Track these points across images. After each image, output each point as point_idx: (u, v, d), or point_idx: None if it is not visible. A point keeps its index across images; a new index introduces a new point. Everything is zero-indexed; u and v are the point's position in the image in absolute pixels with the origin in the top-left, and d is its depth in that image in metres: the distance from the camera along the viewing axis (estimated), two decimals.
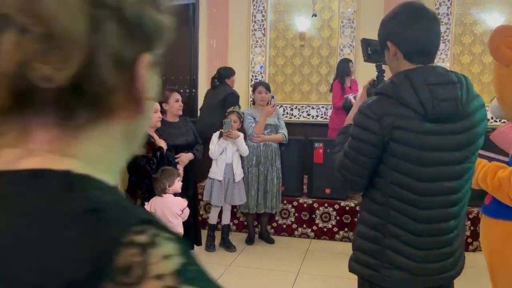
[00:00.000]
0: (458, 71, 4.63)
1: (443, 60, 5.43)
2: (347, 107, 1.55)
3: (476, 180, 1.68)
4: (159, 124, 2.96)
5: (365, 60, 1.60)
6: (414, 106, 1.26)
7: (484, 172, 1.66)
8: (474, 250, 3.88)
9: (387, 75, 1.52)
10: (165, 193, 2.72)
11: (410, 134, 1.27)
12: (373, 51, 1.56)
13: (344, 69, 4.99)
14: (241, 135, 3.77)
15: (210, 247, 3.85)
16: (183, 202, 2.79)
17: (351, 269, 1.47)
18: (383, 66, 1.59)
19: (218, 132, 3.72)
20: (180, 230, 2.78)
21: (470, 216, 3.94)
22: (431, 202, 1.32)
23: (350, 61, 5.20)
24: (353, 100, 1.73)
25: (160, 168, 2.74)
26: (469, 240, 3.96)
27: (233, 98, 4.42)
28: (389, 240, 1.34)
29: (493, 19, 5.26)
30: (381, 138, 1.28)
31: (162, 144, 2.87)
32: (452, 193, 1.33)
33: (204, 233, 3.77)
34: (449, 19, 5.41)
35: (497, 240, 1.67)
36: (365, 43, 1.59)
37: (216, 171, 3.74)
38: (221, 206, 3.88)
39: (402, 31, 1.34)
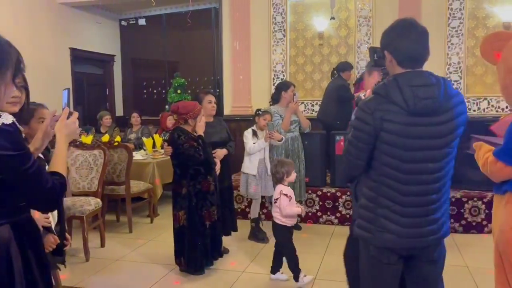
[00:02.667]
0: (472, 63, 4.99)
1: (458, 53, 5.66)
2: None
3: (477, 160, 1.98)
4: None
5: (372, 65, 1.91)
6: (400, 103, 1.57)
7: (479, 155, 1.96)
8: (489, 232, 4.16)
9: None
10: (281, 182, 3.11)
11: (396, 125, 1.58)
12: (378, 58, 1.86)
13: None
14: (283, 138, 4.09)
15: (263, 239, 4.14)
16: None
17: (355, 233, 1.79)
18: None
19: (250, 130, 4.06)
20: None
21: (485, 200, 4.23)
22: (416, 179, 1.62)
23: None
24: (363, 98, 2.04)
25: (204, 152, 3.12)
26: (484, 222, 4.25)
27: (343, 90, 5.09)
28: (381, 210, 1.67)
29: (505, 12, 5.46)
30: (373, 129, 1.61)
31: (200, 131, 3.23)
32: (434, 172, 1.63)
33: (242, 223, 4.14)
34: (462, 13, 5.64)
35: (495, 211, 1.98)
36: (372, 51, 1.90)
37: (250, 166, 4.05)
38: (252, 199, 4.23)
39: (395, 43, 1.65)
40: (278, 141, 4.02)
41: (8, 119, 1.25)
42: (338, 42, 6.17)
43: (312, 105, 6.30)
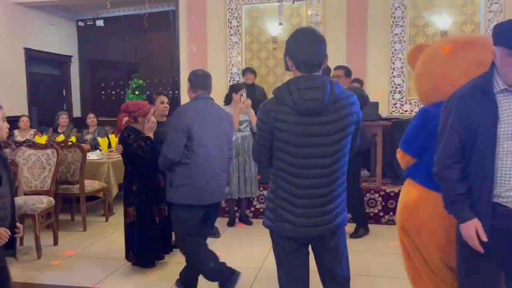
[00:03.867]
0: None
1: (400, 58, 6.07)
2: None
3: None
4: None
5: (285, 69, 2.09)
6: (290, 104, 1.74)
7: None
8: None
9: None
10: None
11: (286, 124, 1.75)
12: None
13: None
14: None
15: (215, 234, 4.28)
16: None
17: (263, 223, 1.95)
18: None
19: None
20: None
21: (382, 193, 4.69)
22: (307, 173, 1.77)
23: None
24: None
25: (152, 152, 3.24)
26: (381, 213, 4.72)
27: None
28: (279, 201, 1.83)
29: (442, 21, 5.92)
30: (269, 127, 1.79)
31: (148, 132, 3.35)
32: (324, 167, 1.77)
33: None
34: (404, 21, 6.05)
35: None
36: (285, 56, 2.11)
37: None
38: None
39: (292, 49, 1.81)
40: None
41: None
42: None
43: None
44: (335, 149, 1.78)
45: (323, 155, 1.77)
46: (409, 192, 2.12)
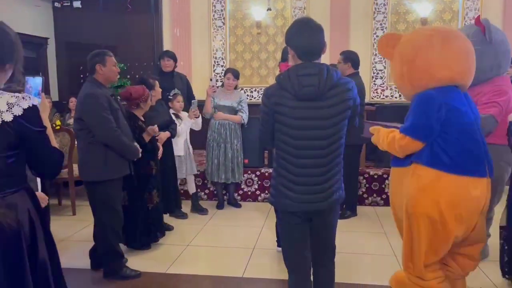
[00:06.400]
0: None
1: None
2: None
3: (377, 142, 2.33)
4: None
5: (281, 61, 2.16)
6: (289, 90, 1.88)
7: (381, 136, 2.32)
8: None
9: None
10: None
11: (285, 108, 1.89)
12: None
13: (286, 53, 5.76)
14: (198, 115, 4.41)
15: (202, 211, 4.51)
16: None
17: (268, 200, 2.13)
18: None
19: (172, 114, 4.26)
20: None
21: (366, 176, 4.88)
22: (305, 154, 1.91)
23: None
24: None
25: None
26: (365, 195, 4.92)
27: None
28: (280, 179, 1.98)
29: (422, 9, 6.08)
30: (270, 110, 1.93)
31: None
32: (321, 149, 1.91)
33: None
34: (386, 8, 6.18)
35: (396, 183, 2.35)
36: (285, 48, 2.18)
37: (176, 148, 4.24)
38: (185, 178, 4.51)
39: (293, 39, 1.93)
40: (196, 117, 4.33)
41: (35, 100, 1.46)
42: (275, 32, 6.50)
43: (251, 91, 6.60)
44: (331, 132, 1.91)
45: (320, 137, 1.90)
46: (424, 176, 2.15)
